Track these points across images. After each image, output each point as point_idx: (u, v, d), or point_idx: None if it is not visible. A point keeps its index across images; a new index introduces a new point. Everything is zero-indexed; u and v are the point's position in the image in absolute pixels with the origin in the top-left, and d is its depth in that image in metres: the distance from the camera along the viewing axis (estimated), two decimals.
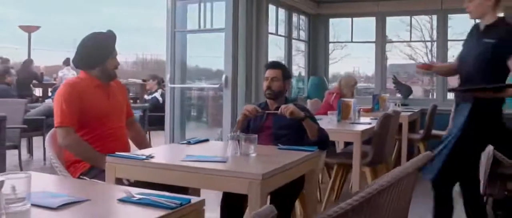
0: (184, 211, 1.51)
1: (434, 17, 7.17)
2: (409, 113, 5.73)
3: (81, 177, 2.71)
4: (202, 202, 1.61)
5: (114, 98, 2.95)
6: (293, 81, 7.05)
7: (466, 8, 2.99)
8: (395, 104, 6.38)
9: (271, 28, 6.30)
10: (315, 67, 7.51)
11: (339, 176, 4.32)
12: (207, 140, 2.98)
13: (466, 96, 2.97)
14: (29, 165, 6.00)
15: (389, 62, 7.85)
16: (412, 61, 13.47)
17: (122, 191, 1.61)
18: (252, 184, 2.03)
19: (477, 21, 3.07)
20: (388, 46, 7.52)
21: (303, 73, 7.61)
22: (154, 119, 6.93)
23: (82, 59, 2.89)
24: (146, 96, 7.64)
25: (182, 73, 6.13)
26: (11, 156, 5.27)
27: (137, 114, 6.97)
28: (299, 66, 7.60)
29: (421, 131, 5.87)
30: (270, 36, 6.31)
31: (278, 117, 3.22)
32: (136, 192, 1.61)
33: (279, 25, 6.55)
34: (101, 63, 2.85)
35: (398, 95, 7.15)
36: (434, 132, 5.76)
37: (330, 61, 7.95)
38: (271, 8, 6.25)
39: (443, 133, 5.58)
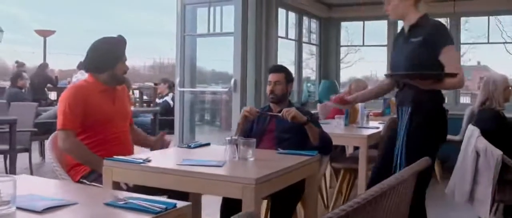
0: (169, 215, 1.50)
1: (447, 20, 7.05)
2: None
3: (81, 180, 2.72)
4: (188, 207, 1.59)
5: (119, 102, 2.96)
6: (304, 85, 7.02)
7: (385, 10, 2.88)
8: None
9: (281, 31, 6.28)
10: (326, 71, 7.46)
11: (346, 181, 4.28)
12: (208, 144, 2.97)
13: (404, 98, 2.81)
14: (41, 168, 6.06)
15: None
16: None
17: (110, 195, 1.60)
18: (246, 189, 2.01)
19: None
20: None
21: (313, 77, 7.57)
22: (165, 122, 6.95)
23: (92, 63, 2.91)
24: (157, 100, 7.68)
25: (192, 77, 6.15)
26: (22, 159, 5.33)
27: (148, 117, 7.02)
28: (312, 69, 7.57)
29: None
30: (280, 40, 6.31)
31: (281, 120, 3.20)
32: (125, 196, 1.61)
33: (289, 28, 6.53)
34: (111, 68, 2.87)
35: None
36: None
37: (343, 65, 7.89)
38: (281, 11, 6.23)
39: (455, 138, 5.50)
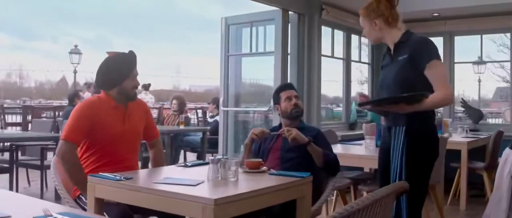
0: None
1: (507, 35, 6.62)
2: (469, 139, 5.29)
3: (80, 196, 2.78)
4: None
5: (129, 122, 2.94)
6: (353, 104, 6.82)
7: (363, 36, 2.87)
8: (463, 130, 5.97)
9: (327, 50, 6.18)
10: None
11: None
12: (207, 163, 2.96)
13: (396, 119, 2.65)
14: None
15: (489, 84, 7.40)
16: (506, 84, 12.51)
17: (42, 209, 1.64)
18: (206, 209, 1.97)
19: None
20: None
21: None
22: (215, 141, 7.02)
23: (100, 79, 2.93)
24: (209, 120, 7.80)
25: (236, 96, 6.20)
26: None
27: (198, 136, 7.14)
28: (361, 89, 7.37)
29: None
30: (327, 59, 6.20)
31: (287, 140, 3.13)
32: (57, 212, 1.63)
33: (336, 47, 6.40)
34: (118, 84, 2.87)
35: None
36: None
37: None
38: (327, 30, 6.14)
39: None
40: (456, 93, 7.12)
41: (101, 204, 2.40)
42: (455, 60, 6.86)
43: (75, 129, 2.77)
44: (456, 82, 7.14)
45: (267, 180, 2.48)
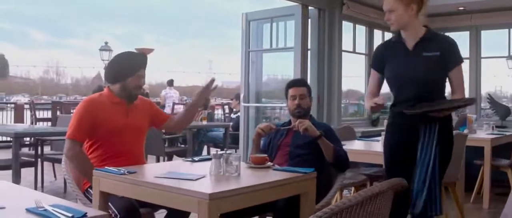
0: None
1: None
2: (493, 136, 5.15)
3: (88, 189, 2.84)
4: (102, 217, 1.61)
5: (132, 116, 2.99)
6: None
7: (387, 20, 2.80)
8: (489, 126, 5.81)
9: (348, 45, 6.11)
10: None
11: None
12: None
13: (429, 118, 2.71)
14: None
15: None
16: None
17: (35, 201, 1.68)
18: (201, 204, 1.98)
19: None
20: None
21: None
22: (237, 137, 7.05)
23: (107, 72, 3.04)
24: (232, 115, 7.84)
25: (257, 92, 6.20)
26: None
27: (221, 132, 7.18)
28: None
29: None
30: (349, 54, 6.14)
31: (297, 136, 3.12)
32: (49, 204, 1.68)
33: (358, 42, 6.33)
34: (122, 80, 2.93)
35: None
36: None
37: None
38: (348, 25, 6.08)
39: None
40: (486, 90, 6.92)
41: (106, 198, 2.45)
42: (482, 55, 6.69)
43: (77, 127, 2.85)
44: (489, 78, 6.97)
45: (270, 175, 2.47)
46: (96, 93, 3.11)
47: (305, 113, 3.25)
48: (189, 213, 2.77)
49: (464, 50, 6.79)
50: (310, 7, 5.55)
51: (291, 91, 3.27)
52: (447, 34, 6.90)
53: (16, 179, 4.68)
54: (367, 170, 4.54)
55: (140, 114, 3.08)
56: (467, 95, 3.18)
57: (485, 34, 6.64)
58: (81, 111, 2.90)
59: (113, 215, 2.51)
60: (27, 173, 5.42)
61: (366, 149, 4.29)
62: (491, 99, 6.44)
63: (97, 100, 2.97)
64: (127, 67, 2.95)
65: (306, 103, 3.26)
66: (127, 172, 2.37)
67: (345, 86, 6.20)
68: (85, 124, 2.86)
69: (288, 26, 5.81)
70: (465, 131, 4.92)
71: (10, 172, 4.74)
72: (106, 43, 15.49)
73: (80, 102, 3.02)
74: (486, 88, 6.85)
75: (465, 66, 6.83)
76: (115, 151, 2.90)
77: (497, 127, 5.92)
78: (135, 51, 3.27)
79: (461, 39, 6.77)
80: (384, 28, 6.75)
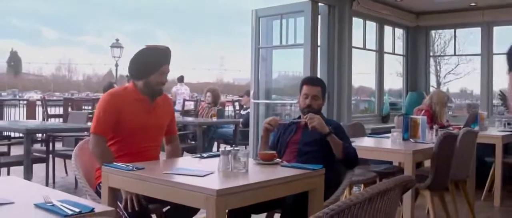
0: None
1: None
2: (505, 133, 5.10)
3: (100, 184, 2.85)
4: (110, 212, 1.62)
5: (154, 115, 2.92)
6: (385, 97, 6.71)
7: None
8: (501, 123, 5.76)
9: (358, 42, 6.09)
10: (414, 82, 7.06)
11: None
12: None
13: None
14: None
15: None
16: None
17: (43, 196, 1.69)
18: (209, 200, 1.99)
19: None
20: None
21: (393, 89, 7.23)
22: (247, 133, 7.06)
23: (131, 68, 2.91)
24: (242, 112, 7.83)
25: (267, 88, 6.20)
26: None
27: (231, 128, 7.19)
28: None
29: None
30: (359, 51, 6.12)
31: (306, 133, 3.11)
32: (57, 199, 1.69)
33: (368, 38, 6.30)
34: (145, 76, 2.84)
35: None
36: None
37: (452, 77, 7.43)
38: (359, 21, 6.05)
39: None
40: (498, 86, 6.86)
41: (115, 193, 2.46)
42: (494, 52, 6.63)
43: (103, 122, 2.78)
44: (501, 75, 6.89)
45: (278, 172, 2.47)
46: (120, 87, 3.03)
47: (315, 113, 3.20)
48: (194, 212, 2.77)
49: (475, 46, 6.74)
50: (320, 4, 5.54)
51: (304, 89, 3.23)
52: (458, 30, 6.89)
53: (28, 175, 4.72)
54: (377, 167, 4.52)
55: (163, 112, 3.01)
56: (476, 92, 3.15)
57: (497, 30, 6.57)
58: (105, 105, 2.82)
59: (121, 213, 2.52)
60: (38, 169, 5.47)
61: (376, 145, 4.27)
62: (503, 96, 6.37)
63: (121, 95, 2.88)
64: (150, 63, 2.85)
65: (317, 105, 3.20)
66: (135, 168, 2.37)
67: (356, 83, 6.19)
68: (109, 118, 2.79)
69: (298, 22, 5.79)
70: (476, 128, 4.88)
71: (22, 168, 4.78)
72: (117, 40, 15.57)
73: (103, 96, 2.94)
74: (498, 85, 6.77)
75: (477, 62, 6.80)
76: (132, 148, 2.83)
77: (509, 124, 5.86)
78: (159, 46, 3.02)
79: (473, 35, 6.73)
80: (395, 24, 6.71)
